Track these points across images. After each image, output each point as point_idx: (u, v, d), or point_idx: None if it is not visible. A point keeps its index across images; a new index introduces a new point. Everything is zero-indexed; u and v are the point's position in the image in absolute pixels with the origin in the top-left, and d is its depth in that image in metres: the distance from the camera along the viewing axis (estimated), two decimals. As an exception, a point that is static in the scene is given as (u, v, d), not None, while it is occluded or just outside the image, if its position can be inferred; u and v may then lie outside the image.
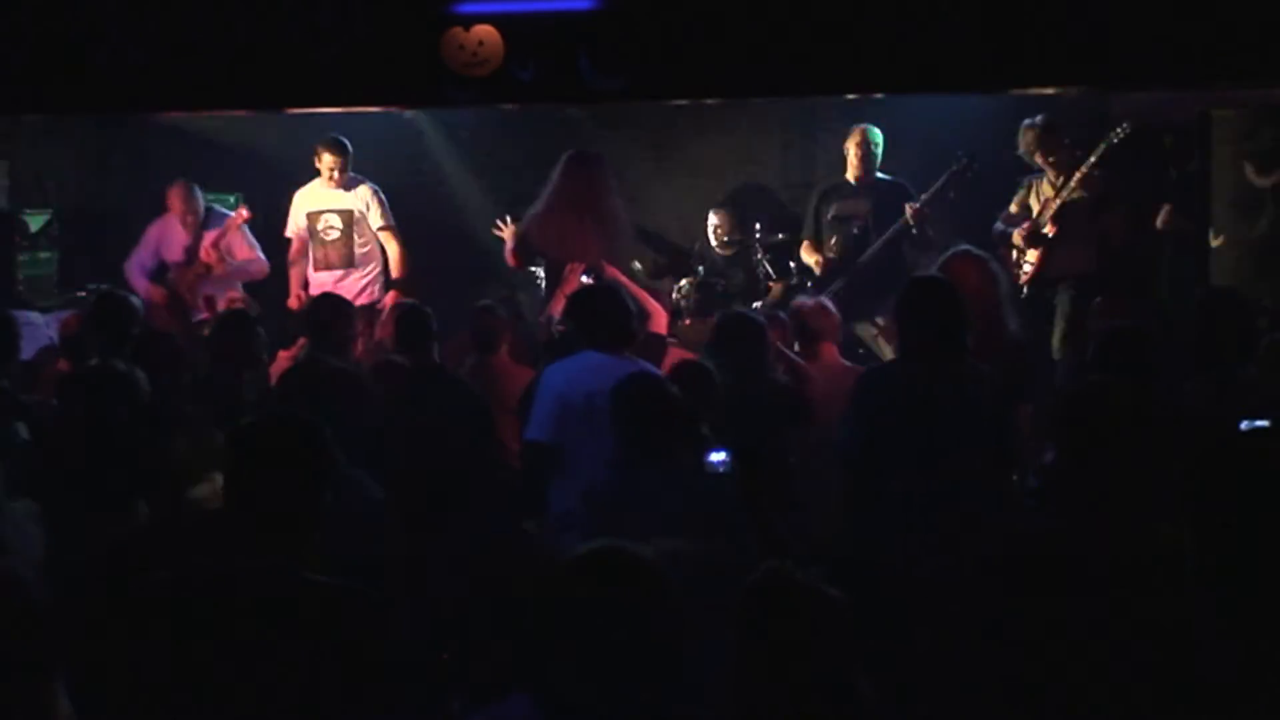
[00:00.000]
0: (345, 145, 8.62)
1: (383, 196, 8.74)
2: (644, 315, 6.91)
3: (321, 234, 8.70)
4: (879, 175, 8.50)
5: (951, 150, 8.39)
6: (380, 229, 8.70)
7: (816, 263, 8.52)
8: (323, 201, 8.73)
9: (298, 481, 3.09)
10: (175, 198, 8.74)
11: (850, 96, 7.84)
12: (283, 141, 9.28)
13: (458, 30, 7.19)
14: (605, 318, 5.58)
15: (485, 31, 7.18)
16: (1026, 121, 8.02)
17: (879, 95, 7.76)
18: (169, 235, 8.78)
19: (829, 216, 8.49)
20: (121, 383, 5.43)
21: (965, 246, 6.34)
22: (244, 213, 8.76)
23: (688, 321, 8.65)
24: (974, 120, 8.54)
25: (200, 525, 4.06)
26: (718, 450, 4.11)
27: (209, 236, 8.66)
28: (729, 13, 6.98)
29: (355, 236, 8.67)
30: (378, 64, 7.27)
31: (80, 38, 7.32)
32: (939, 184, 8.20)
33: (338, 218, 8.69)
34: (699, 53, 7.02)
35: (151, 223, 8.87)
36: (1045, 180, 8.03)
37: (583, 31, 7.11)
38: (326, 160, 8.59)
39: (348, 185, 8.70)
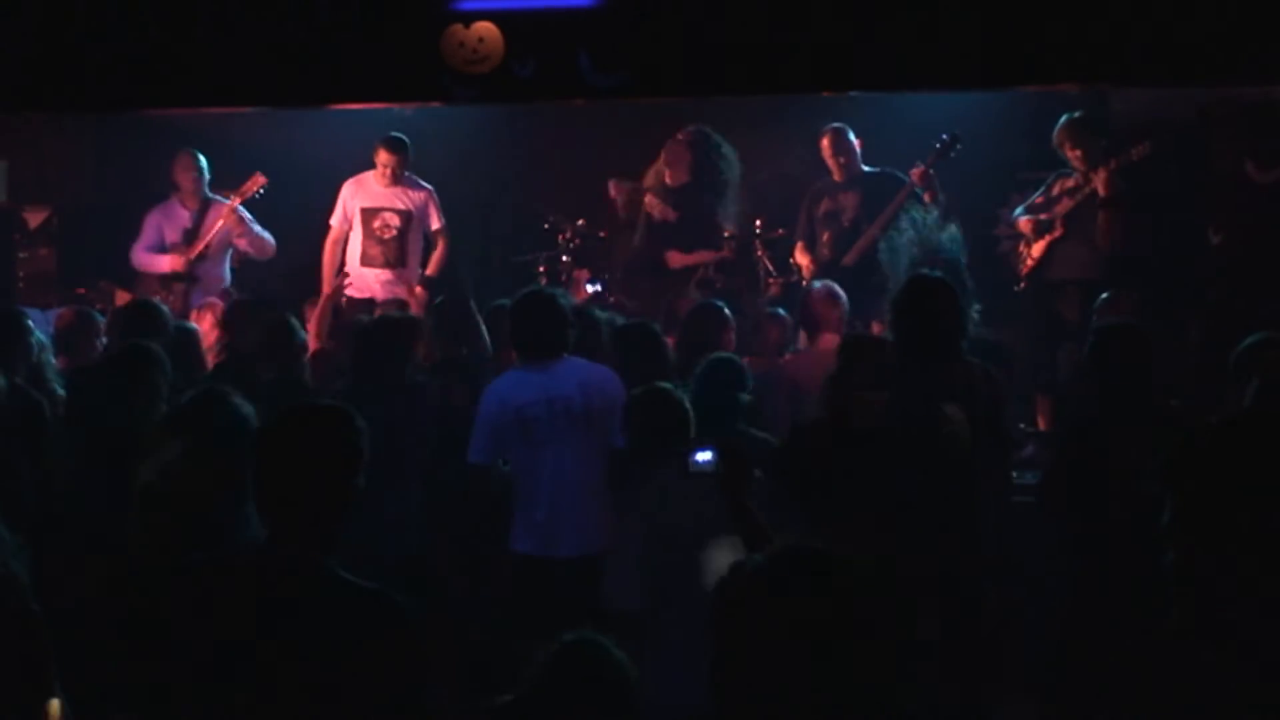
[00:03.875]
0: (404, 143, 8.50)
1: (437, 198, 8.70)
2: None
3: (378, 231, 8.60)
4: (865, 167, 8.36)
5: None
6: (436, 230, 8.67)
7: (806, 266, 8.40)
8: (381, 199, 8.62)
9: (327, 471, 3.08)
10: (181, 164, 8.68)
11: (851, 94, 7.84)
12: (283, 139, 9.28)
13: (458, 27, 7.21)
14: (528, 331, 5.64)
15: (485, 29, 7.19)
16: (1065, 115, 7.87)
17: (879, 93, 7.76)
18: (170, 217, 8.72)
19: (820, 213, 8.42)
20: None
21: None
22: (260, 178, 8.62)
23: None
24: (975, 119, 8.53)
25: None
26: (704, 449, 4.14)
27: (222, 207, 8.59)
28: (729, 10, 6.99)
29: (408, 237, 8.61)
30: (378, 61, 7.28)
31: (80, 38, 7.32)
32: (931, 157, 8.11)
33: (397, 217, 8.60)
34: (699, 50, 7.02)
35: (150, 210, 8.81)
36: (1073, 176, 7.85)
37: (583, 28, 7.12)
38: (383, 158, 8.49)
39: (408, 185, 8.62)
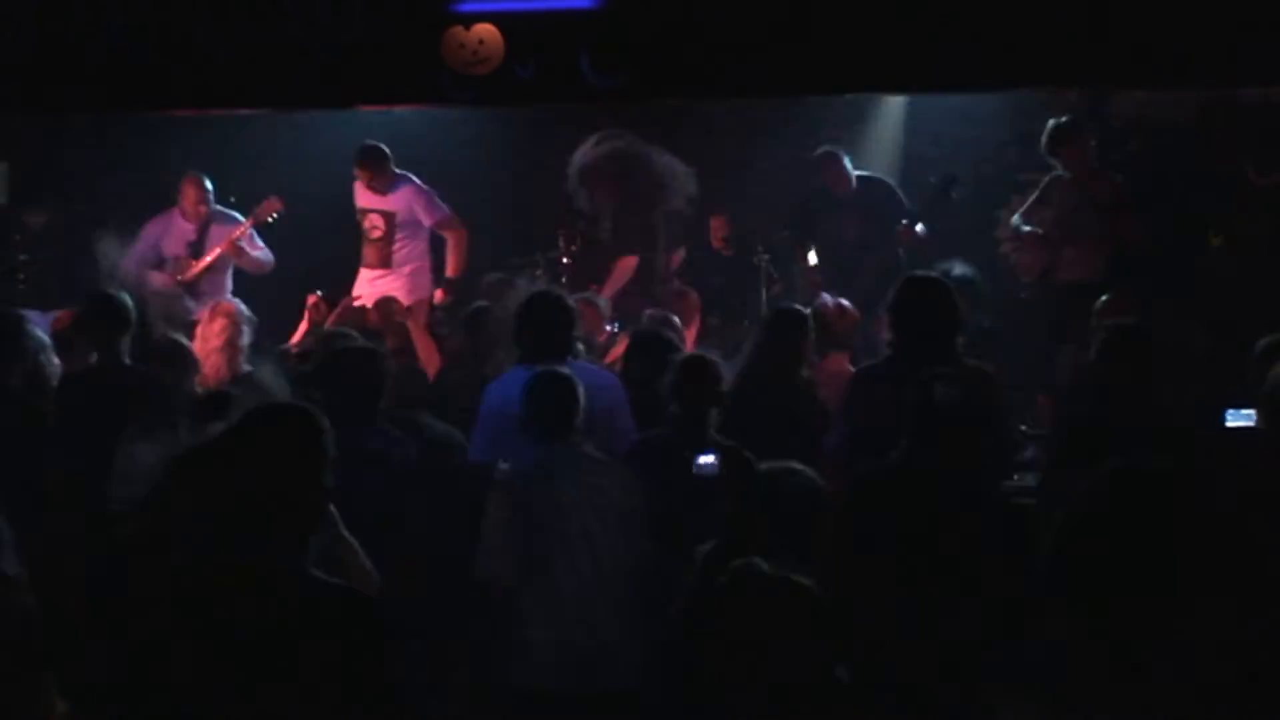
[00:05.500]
0: (372, 154, 8.42)
1: (429, 192, 8.56)
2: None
3: (367, 232, 8.63)
4: (858, 174, 8.35)
5: (954, 146, 8.38)
6: (435, 225, 8.56)
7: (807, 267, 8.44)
8: (369, 200, 8.61)
9: (294, 471, 3.07)
10: (188, 187, 8.61)
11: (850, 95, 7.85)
12: (282, 140, 9.28)
13: (458, 29, 7.22)
14: (533, 330, 5.64)
15: (486, 30, 7.21)
16: (1052, 121, 7.88)
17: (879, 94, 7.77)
18: (171, 230, 8.69)
19: (820, 232, 8.42)
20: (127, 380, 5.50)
21: None
22: (276, 202, 8.60)
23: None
24: (976, 118, 8.54)
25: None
26: (707, 452, 4.15)
27: (234, 230, 8.52)
28: (729, 12, 6.99)
29: (394, 239, 8.56)
30: (378, 63, 7.29)
31: (80, 38, 7.33)
32: (923, 204, 8.10)
33: (381, 219, 8.58)
34: (699, 52, 7.03)
35: (150, 220, 8.78)
36: (1066, 180, 7.86)
37: (583, 30, 7.13)
38: (356, 172, 8.49)
39: (390, 186, 8.54)
